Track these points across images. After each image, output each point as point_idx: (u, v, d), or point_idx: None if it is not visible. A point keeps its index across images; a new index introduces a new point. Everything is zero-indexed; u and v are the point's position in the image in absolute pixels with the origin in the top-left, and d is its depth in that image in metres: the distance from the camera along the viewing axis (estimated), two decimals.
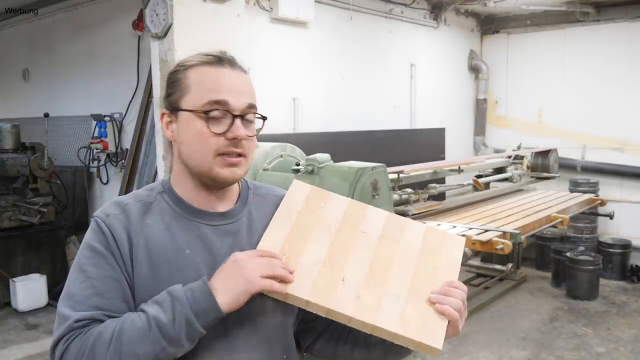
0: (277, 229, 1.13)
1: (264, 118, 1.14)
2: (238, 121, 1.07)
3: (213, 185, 1.12)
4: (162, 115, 1.14)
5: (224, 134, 1.07)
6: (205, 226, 1.12)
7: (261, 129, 1.14)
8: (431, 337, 1.03)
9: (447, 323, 1.05)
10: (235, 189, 1.20)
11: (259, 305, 1.08)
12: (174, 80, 1.12)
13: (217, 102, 1.07)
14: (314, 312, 1.05)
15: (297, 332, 1.22)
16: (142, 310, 1.01)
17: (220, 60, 1.11)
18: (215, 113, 1.06)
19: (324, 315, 1.05)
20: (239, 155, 1.09)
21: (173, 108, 1.11)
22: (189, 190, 1.14)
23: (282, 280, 1.03)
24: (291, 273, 1.05)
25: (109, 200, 1.16)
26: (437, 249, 1.18)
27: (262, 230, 1.15)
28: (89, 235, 1.10)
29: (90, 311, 1.01)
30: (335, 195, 1.24)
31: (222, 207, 1.16)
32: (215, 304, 0.99)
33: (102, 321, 1.01)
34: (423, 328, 1.04)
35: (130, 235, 1.07)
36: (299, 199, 1.20)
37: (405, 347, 1.06)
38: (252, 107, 1.11)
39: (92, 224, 1.10)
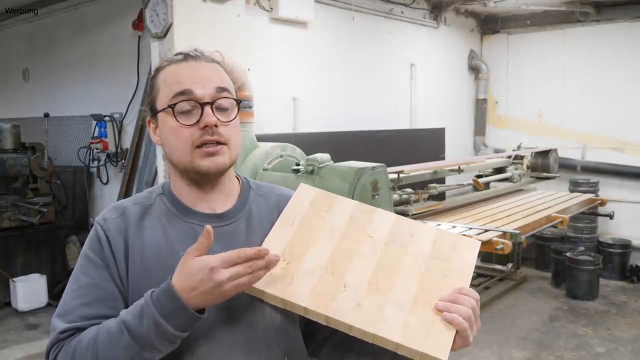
0: (279, 233, 1.09)
1: (237, 101, 1.11)
2: (207, 109, 1.05)
3: (200, 179, 1.10)
4: (149, 122, 1.14)
5: (195, 124, 1.05)
6: (201, 228, 1.08)
7: (237, 114, 1.10)
8: (436, 348, 0.96)
9: (454, 333, 0.99)
10: (234, 187, 1.17)
11: (259, 308, 1.07)
12: (150, 85, 1.13)
13: (180, 94, 1.05)
14: (314, 319, 1.02)
15: (304, 333, 1.19)
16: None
17: (185, 57, 1.10)
18: (182, 105, 1.05)
19: (323, 323, 1.01)
20: (218, 143, 1.06)
21: (152, 113, 1.12)
22: (183, 191, 1.13)
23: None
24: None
25: (110, 204, 1.17)
26: (448, 254, 1.11)
27: (260, 231, 1.12)
28: (86, 242, 1.11)
29: (76, 322, 1.03)
30: (341, 199, 1.19)
31: (220, 207, 1.13)
32: (182, 304, 0.94)
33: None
34: (428, 338, 0.98)
35: (127, 238, 1.08)
36: (304, 203, 1.16)
37: (410, 357, 1.00)
38: (222, 90, 1.08)
39: (91, 230, 1.13)
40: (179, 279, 0.95)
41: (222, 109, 1.08)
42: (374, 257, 1.09)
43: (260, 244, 1.09)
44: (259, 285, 1.02)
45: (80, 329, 1.02)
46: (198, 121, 1.05)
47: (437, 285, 1.05)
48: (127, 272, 1.06)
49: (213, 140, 1.05)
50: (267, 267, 0.96)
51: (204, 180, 1.10)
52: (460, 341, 1.00)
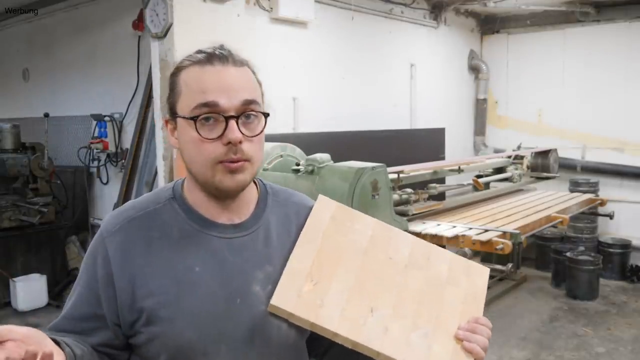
0: (303, 250, 1.08)
1: (265, 115, 1.04)
2: (232, 123, 0.98)
3: (219, 195, 1.05)
4: (166, 122, 1.08)
5: (218, 139, 0.98)
6: (218, 239, 1.05)
7: (264, 128, 1.04)
8: None
9: None
10: (252, 194, 1.12)
11: (275, 325, 1.04)
12: (170, 84, 1.05)
13: (204, 105, 0.98)
14: (340, 343, 1.02)
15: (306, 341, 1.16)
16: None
17: (210, 57, 1.01)
18: (206, 117, 0.98)
19: (349, 347, 1.01)
20: (240, 160, 1.00)
21: (171, 114, 1.05)
22: (201, 202, 1.07)
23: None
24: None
25: (112, 205, 1.13)
26: (462, 280, 1.15)
27: (278, 242, 1.09)
28: (88, 251, 1.08)
29: (52, 330, 1.04)
30: (360, 215, 1.19)
31: (238, 216, 1.09)
32: None
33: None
34: None
35: (133, 257, 1.03)
36: (325, 218, 1.14)
37: None
38: (249, 102, 1.00)
39: (96, 237, 1.08)
40: None
41: (248, 121, 1.01)
42: (397, 280, 1.10)
43: (278, 257, 1.07)
44: (287, 307, 1.01)
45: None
46: (221, 135, 0.98)
47: (455, 312, 1.09)
48: (133, 294, 1.01)
49: (236, 159, 0.99)
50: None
51: (223, 195, 1.05)
52: None
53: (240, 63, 1.04)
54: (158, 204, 1.08)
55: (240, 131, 0.99)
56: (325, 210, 1.16)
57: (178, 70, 1.04)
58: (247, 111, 1.00)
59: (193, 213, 1.06)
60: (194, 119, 0.99)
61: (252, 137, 1.01)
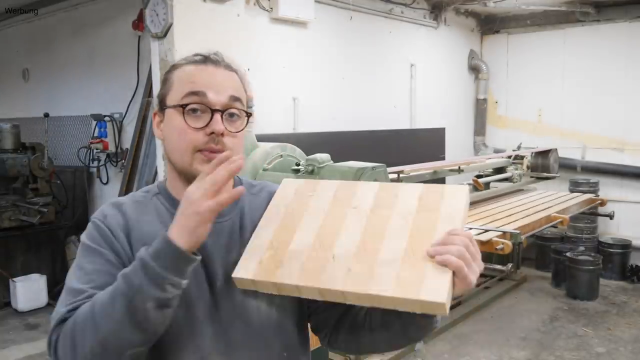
0: (266, 226, 1.11)
1: (248, 114, 1.11)
2: (217, 116, 1.04)
3: None
4: (154, 115, 1.14)
5: (202, 129, 1.04)
6: None
7: (245, 126, 1.10)
8: (432, 292, 0.91)
9: (451, 274, 0.93)
10: (229, 187, 1.16)
11: (253, 306, 1.09)
12: (164, 80, 1.13)
13: (194, 94, 1.05)
14: (309, 297, 1.01)
15: (313, 326, 1.21)
16: None
17: (205, 59, 1.10)
18: (193, 107, 1.04)
19: (318, 298, 1.00)
20: (220, 151, 1.05)
21: (160, 107, 1.12)
22: (180, 189, 1.09)
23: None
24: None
25: (106, 203, 1.16)
26: (436, 205, 1.06)
27: (251, 227, 1.13)
28: (85, 236, 1.10)
29: (84, 300, 0.99)
30: (324, 181, 1.19)
31: None
32: (167, 241, 0.91)
33: None
34: (422, 285, 0.92)
35: (128, 229, 1.09)
36: (288, 194, 1.17)
37: (411, 311, 0.95)
38: (235, 99, 1.08)
39: (89, 226, 1.11)
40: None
41: (231, 119, 1.08)
42: (361, 224, 1.07)
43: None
44: (248, 275, 1.03)
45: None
46: (205, 126, 1.04)
47: (428, 235, 1.01)
48: (132, 254, 1.07)
49: (217, 150, 1.04)
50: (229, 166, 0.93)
51: None
52: (459, 282, 0.94)
53: (231, 68, 1.13)
54: (145, 198, 1.16)
55: (224, 125, 1.06)
56: (289, 189, 1.18)
57: (173, 67, 1.13)
58: (232, 108, 1.07)
59: (175, 202, 1.11)
60: (183, 106, 1.05)
61: (235, 132, 1.08)
